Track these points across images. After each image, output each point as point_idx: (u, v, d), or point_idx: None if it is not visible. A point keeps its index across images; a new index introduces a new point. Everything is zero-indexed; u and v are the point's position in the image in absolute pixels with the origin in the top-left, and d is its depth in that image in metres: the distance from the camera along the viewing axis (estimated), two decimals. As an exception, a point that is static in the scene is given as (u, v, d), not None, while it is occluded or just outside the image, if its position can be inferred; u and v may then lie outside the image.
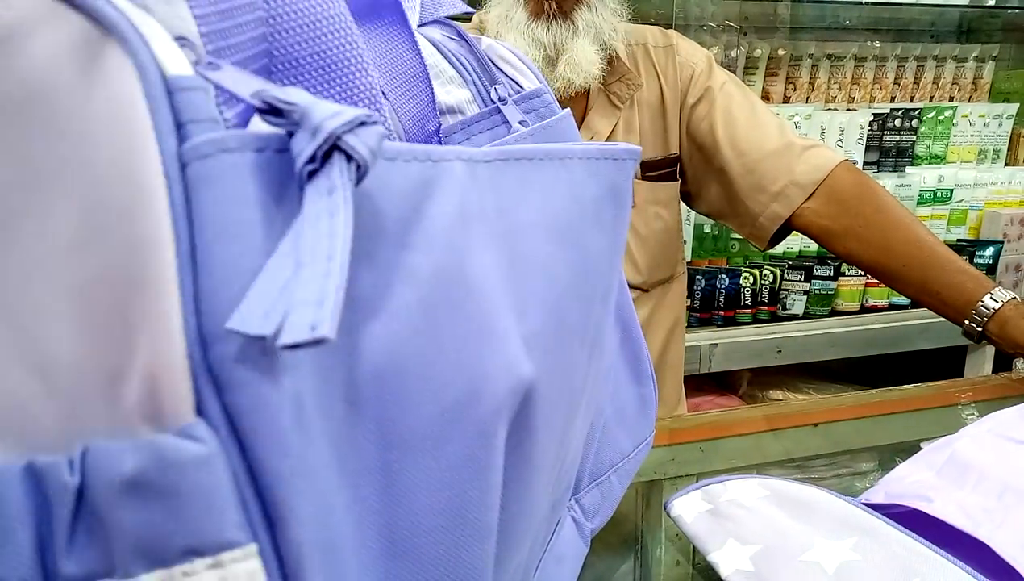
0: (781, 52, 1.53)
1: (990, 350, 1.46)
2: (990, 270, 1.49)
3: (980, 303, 0.76)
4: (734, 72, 1.21)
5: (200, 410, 0.16)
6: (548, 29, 0.80)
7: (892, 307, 1.50)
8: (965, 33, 1.76)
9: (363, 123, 0.18)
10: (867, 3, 1.59)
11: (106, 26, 0.16)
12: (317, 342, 0.15)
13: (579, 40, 0.81)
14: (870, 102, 1.59)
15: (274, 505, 0.17)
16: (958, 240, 1.54)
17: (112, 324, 0.16)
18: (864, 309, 1.50)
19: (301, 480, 0.17)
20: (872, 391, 0.78)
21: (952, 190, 1.53)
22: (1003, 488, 0.41)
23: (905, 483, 0.45)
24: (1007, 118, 1.61)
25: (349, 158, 0.17)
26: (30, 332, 0.16)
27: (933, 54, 1.62)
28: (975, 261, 1.47)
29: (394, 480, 0.21)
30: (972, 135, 1.60)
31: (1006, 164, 1.64)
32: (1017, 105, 1.62)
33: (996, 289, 0.77)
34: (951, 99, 1.65)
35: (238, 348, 0.16)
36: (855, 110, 1.51)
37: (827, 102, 1.57)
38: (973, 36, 1.75)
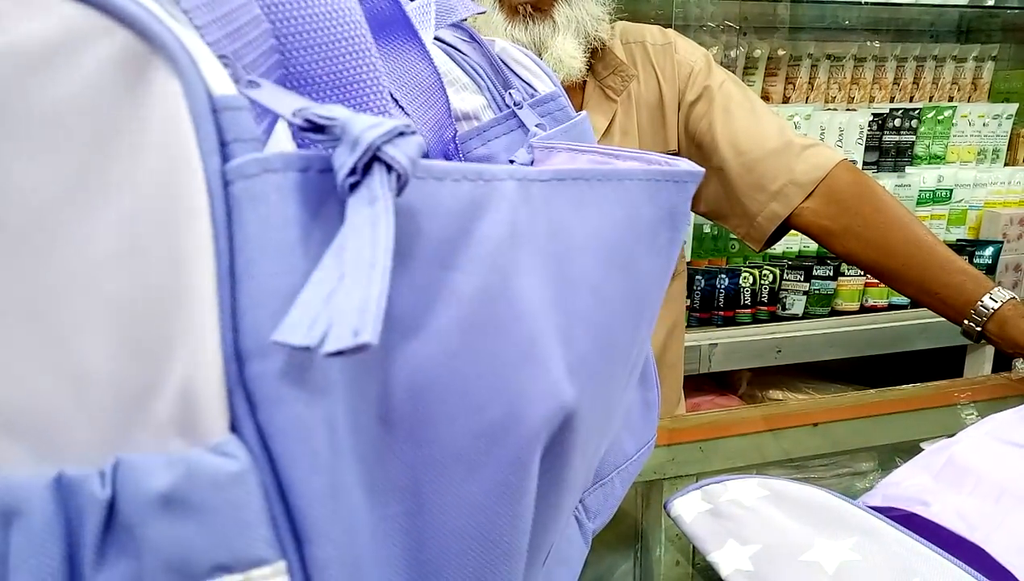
0: (781, 52, 1.53)
1: (990, 350, 1.46)
2: (990, 270, 1.49)
3: (979, 303, 0.76)
4: (734, 72, 1.21)
5: (234, 427, 0.16)
6: (527, 29, 0.80)
7: (892, 307, 1.50)
8: (964, 33, 1.76)
9: (402, 133, 0.18)
10: (867, 3, 1.59)
11: (154, 43, 0.16)
12: (360, 348, 0.15)
13: (559, 37, 0.80)
14: (870, 102, 1.59)
15: (303, 522, 0.17)
16: (958, 240, 1.54)
17: (149, 337, 0.16)
18: (864, 309, 1.50)
19: (331, 498, 0.17)
20: (872, 391, 0.78)
21: (952, 190, 1.53)
22: (1000, 492, 0.42)
23: (903, 487, 0.45)
24: (1007, 118, 1.61)
25: (389, 169, 0.17)
26: (66, 342, 0.16)
27: (933, 54, 1.62)
28: (975, 261, 1.47)
29: (424, 501, 0.20)
30: (972, 135, 1.60)
31: (1006, 164, 1.64)
32: (1017, 105, 1.62)
33: (995, 289, 0.77)
34: (951, 99, 1.65)
35: (274, 365, 0.16)
36: (855, 110, 1.51)
37: (827, 102, 1.57)
38: (973, 36, 1.75)
